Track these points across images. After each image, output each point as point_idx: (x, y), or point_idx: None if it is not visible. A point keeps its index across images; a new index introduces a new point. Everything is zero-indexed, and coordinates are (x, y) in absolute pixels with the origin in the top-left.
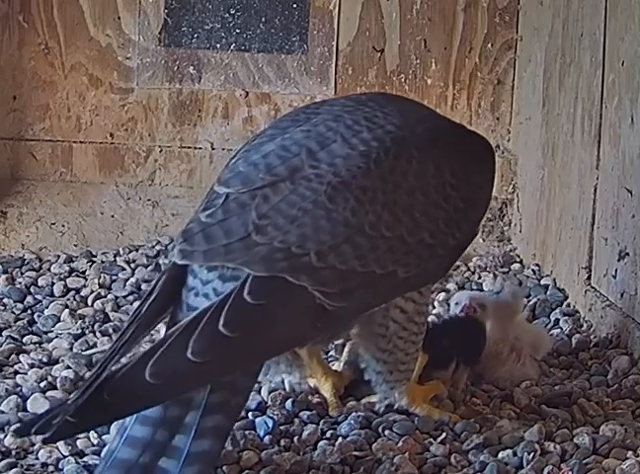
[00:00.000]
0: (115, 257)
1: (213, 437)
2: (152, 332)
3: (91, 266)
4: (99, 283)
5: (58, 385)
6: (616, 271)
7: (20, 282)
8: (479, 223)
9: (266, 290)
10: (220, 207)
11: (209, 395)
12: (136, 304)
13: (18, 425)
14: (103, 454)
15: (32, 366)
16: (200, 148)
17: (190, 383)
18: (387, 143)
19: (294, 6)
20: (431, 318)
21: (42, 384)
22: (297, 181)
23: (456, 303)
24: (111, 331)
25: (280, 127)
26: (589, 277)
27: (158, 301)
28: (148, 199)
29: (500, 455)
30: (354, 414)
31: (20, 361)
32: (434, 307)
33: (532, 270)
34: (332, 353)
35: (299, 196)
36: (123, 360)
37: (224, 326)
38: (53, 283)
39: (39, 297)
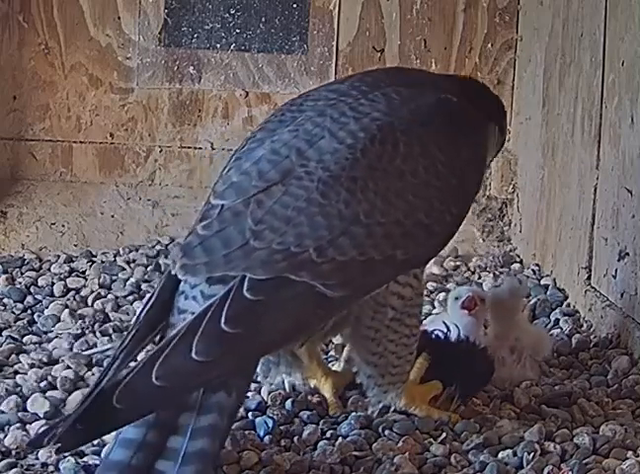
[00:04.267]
0: (115, 257)
1: (210, 437)
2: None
3: (91, 266)
4: (99, 283)
5: (58, 385)
6: (616, 271)
7: (20, 282)
8: (475, 195)
9: (265, 286)
10: (216, 219)
11: (203, 395)
12: (137, 305)
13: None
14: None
15: (32, 366)
16: (200, 148)
17: (197, 383)
18: (374, 131)
19: (294, 6)
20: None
21: (42, 384)
22: (289, 182)
23: (456, 298)
24: (111, 331)
25: (268, 129)
26: (589, 277)
27: (156, 310)
28: (148, 199)
29: (500, 455)
30: (354, 414)
31: (20, 361)
32: (433, 307)
33: (532, 270)
34: (332, 353)
35: (292, 196)
36: (125, 369)
37: (226, 323)
38: (53, 283)
39: (39, 297)
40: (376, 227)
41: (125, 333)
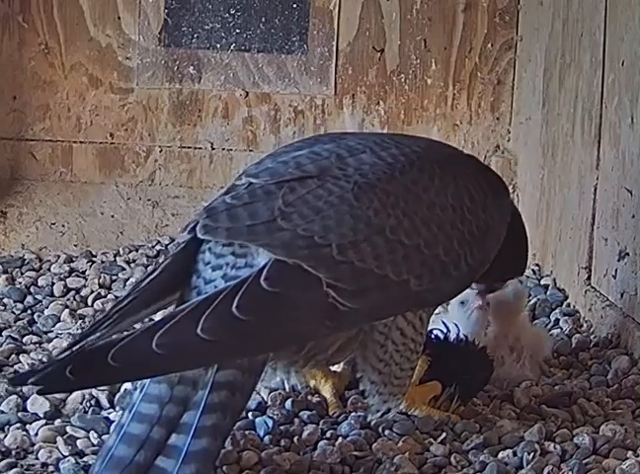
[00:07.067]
0: (115, 257)
1: (213, 437)
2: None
3: (91, 266)
4: (99, 283)
5: None
6: (616, 271)
7: (20, 282)
8: (490, 257)
9: (283, 279)
10: (246, 192)
11: (209, 394)
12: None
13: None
14: (100, 452)
15: (32, 366)
16: (200, 148)
17: (195, 359)
18: (413, 158)
19: (294, 6)
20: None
21: None
22: (325, 178)
23: (462, 302)
24: None
25: (306, 142)
26: (589, 277)
27: (165, 277)
28: (148, 199)
29: (500, 455)
30: (353, 414)
31: (20, 361)
32: None
33: (532, 270)
34: None
35: (326, 190)
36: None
37: (237, 308)
38: (53, 283)
39: (39, 297)
40: (398, 246)
41: (125, 294)
